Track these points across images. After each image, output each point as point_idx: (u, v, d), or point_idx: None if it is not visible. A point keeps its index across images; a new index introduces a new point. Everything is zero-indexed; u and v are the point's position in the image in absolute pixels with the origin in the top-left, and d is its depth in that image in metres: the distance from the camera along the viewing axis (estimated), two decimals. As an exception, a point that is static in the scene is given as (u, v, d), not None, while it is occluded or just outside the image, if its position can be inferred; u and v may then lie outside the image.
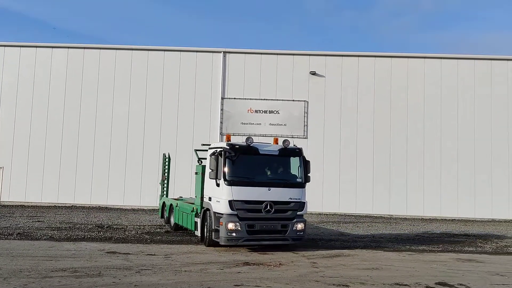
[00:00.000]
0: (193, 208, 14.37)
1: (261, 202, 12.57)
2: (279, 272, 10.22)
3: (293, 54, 27.26)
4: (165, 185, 19.03)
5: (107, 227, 17.10)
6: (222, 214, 12.43)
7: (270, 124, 26.37)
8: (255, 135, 25.89)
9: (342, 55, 27.36)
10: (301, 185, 13.23)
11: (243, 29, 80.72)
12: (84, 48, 27.38)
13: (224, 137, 13.55)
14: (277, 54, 27.20)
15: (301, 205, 13.04)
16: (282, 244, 13.13)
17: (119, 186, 26.13)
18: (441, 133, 26.58)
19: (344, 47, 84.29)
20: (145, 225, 18.05)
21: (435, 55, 27.65)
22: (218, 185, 12.64)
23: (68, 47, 27.32)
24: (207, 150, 14.13)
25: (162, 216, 18.33)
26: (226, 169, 12.48)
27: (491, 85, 26.73)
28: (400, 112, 26.73)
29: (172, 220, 16.86)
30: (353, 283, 9.38)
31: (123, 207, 25.44)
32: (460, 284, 9.61)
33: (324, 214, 25.48)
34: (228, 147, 12.66)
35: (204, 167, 13.92)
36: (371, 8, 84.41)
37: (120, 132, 26.49)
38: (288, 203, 12.88)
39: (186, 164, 25.08)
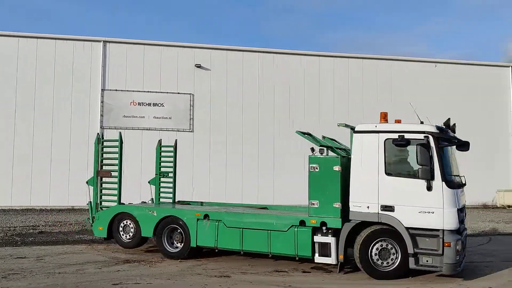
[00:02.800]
0: (300, 221, 9.76)
1: (462, 210, 9.33)
2: (160, 268, 10.04)
3: (178, 46, 26.89)
4: (95, 183, 12.33)
5: (-30, 230, 15.48)
6: (438, 230, 8.70)
7: (155, 117, 25.78)
8: (138, 129, 25.31)
9: (227, 49, 27.60)
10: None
11: (126, 19, 77.92)
12: None
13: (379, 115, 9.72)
14: (161, 45, 26.63)
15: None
16: None
17: (-14, 185, 23.78)
18: (320, 125, 28.00)
19: (233, 41, 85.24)
20: (16, 227, 16.63)
21: (315, 53, 28.98)
22: (429, 188, 8.76)
23: None
24: (351, 135, 9.93)
25: (110, 237, 11.94)
26: (443, 166, 8.85)
27: (361, 82, 28.78)
28: (283, 106, 27.67)
29: (182, 243, 10.99)
30: (235, 273, 9.54)
31: (-9, 208, 23.20)
32: (334, 267, 10.24)
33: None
34: (438, 132, 9.06)
35: (346, 159, 9.75)
36: (261, 4, 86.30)
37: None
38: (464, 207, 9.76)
39: (63, 162, 23.78)
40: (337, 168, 9.50)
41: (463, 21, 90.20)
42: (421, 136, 8.92)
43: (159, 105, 25.90)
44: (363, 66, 29.00)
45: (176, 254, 10.97)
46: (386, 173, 9.13)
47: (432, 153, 8.82)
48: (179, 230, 11.04)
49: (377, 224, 9.15)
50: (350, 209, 9.35)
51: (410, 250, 8.82)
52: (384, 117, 9.63)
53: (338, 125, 10.43)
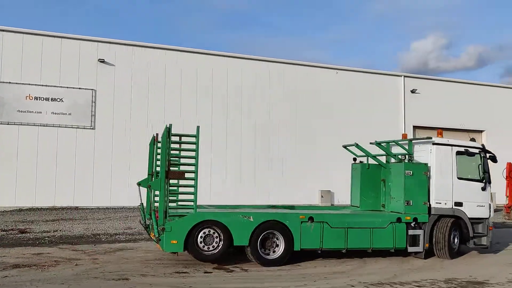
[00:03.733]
0: (397, 218, 11.36)
1: None
2: (54, 272, 9.49)
3: (80, 39, 25.60)
4: (162, 186, 9.98)
5: None
6: (483, 219, 12.34)
7: (53, 113, 24.30)
8: (34, 125, 23.77)
9: (133, 45, 26.81)
10: None
11: (24, 9, 72.76)
12: None
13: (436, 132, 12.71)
14: (62, 37, 25.17)
15: None
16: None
17: None
18: (227, 126, 28.21)
19: (139, 38, 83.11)
20: None
21: (222, 53, 28.97)
22: (484, 189, 12.34)
23: None
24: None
25: (187, 248, 10.10)
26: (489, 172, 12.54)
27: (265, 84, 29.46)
28: (191, 105, 27.47)
29: (275, 248, 10.62)
30: (134, 276, 9.29)
31: None
32: (236, 267, 10.36)
33: (112, 208, 24.70)
34: (483, 148, 12.82)
35: (424, 166, 11.74)
36: (169, 2, 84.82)
37: None
38: None
39: None
40: (426, 173, 11.70)
41: (364, 31, 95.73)
42: (477, 150, 12.48)
43: (58, 100, 24.47)
44: (270, 69, 29.67)
45: (277, 260, 10.49)
46: (457, 177, 12.05)
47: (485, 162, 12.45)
48: (274, 235, 10.58)
49: (450, 217, 11.87)
50: (432, 206, 11.77)
51: (471, 234, 11.99)
52: (440, 133, 12.54)
53: (430, 139, 12.31)
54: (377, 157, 12.96)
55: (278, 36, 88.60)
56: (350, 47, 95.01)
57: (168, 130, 10.17)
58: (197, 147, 10.40)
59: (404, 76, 33.39)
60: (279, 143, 29.17)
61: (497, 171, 22.08)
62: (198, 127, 10.59)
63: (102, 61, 25.53)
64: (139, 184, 10.89)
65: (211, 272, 9.85)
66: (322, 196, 29.33)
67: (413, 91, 33.07)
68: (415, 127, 32.97)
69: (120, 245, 13.04)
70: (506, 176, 22.21)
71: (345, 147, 13.78)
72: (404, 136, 13.20)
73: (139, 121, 26.22)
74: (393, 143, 12.93)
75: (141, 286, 8.55)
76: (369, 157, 13.05)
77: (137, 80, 26.43)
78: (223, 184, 27.41)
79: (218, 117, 27.93)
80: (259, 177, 28.47)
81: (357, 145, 12.95)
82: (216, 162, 26.96)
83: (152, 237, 10.49)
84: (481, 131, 34.87)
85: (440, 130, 12.80)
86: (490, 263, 11.61)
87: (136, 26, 78.39)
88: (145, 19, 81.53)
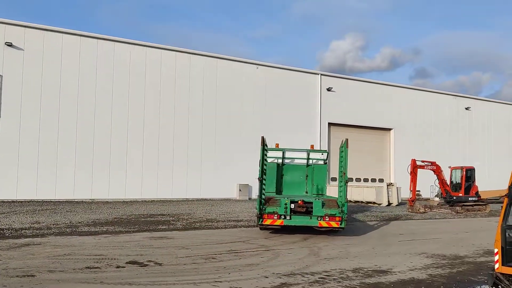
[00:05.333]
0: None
1: None
2: (-51, 270, 8.80)
3: (-15, 20, 23.84)
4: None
5: None
6: None
7: (-48, 98, 22.48)
8: None
9: (45, 29, 25.37)
10: None
11: None
12: None
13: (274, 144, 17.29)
14: (-36, 17, 23.31)
15: None
16: None
17: None
18: (144, 118, 27.61)
19: (52, 23, 78.67)
20: None
21: (142, 43, 28.42)
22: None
23: None
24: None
25: None
26: None
27: (190, 77, 29.22)
28: (106, 94, 26.55)
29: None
30: (41, 272, 8.84)
31: None
32: (149, 261, 10.19)
33: (19, 201, 23.29)
34: None
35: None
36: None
37: None
38: None
39: None
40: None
41: (286, 30, 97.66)
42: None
43: (-42, 84, 22.64)
44: (191, 61, 29.41)
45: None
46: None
47: None
48: None
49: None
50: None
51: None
52: (312, 147, 17.89)
53: (324, 150, 18.05)
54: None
55: (207, 31, 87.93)
56: (276, 44, 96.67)
57: (346, 142, 14.62)
58: (345, 154, 14.58)
59: (321, 75, 34.55)
60: (196, 137, 29.06)
61: (403, 168, 23.56)
62: (346, 140, 14.65)
63: (9, 44, 23.94)
64: (260, 179, 14.13)
65: (124, 267, 9.60)
66: (240, 190, 29.64)
67: (329, 89, 34.31)
68: (330, 124, 34.28)
69: (26, 240, 12.36)
70: (410, 172, 23.72)
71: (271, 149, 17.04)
72: (277, 145, 17.07)
73: (50, 109, 24.92)
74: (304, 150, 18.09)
75: (48, 283, 8.15)
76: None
77: (48, 66, 25.08)
78: (133, 181, 26.87)
79: (136, 106, 27.21)
80: (177, 171, 28.20)
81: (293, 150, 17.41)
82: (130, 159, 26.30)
83: (273, 224, 13.77)
84: (389, 129, 37.00)
85: (312, 145, 18.57)
86: (394, 253, 12.37)
87: (50, 10, 74.06)
88: (62, 3, 77.24)
